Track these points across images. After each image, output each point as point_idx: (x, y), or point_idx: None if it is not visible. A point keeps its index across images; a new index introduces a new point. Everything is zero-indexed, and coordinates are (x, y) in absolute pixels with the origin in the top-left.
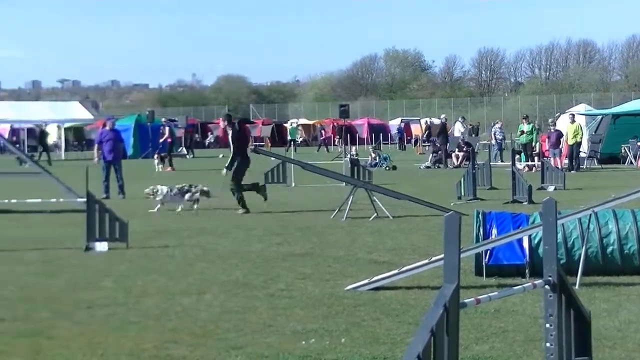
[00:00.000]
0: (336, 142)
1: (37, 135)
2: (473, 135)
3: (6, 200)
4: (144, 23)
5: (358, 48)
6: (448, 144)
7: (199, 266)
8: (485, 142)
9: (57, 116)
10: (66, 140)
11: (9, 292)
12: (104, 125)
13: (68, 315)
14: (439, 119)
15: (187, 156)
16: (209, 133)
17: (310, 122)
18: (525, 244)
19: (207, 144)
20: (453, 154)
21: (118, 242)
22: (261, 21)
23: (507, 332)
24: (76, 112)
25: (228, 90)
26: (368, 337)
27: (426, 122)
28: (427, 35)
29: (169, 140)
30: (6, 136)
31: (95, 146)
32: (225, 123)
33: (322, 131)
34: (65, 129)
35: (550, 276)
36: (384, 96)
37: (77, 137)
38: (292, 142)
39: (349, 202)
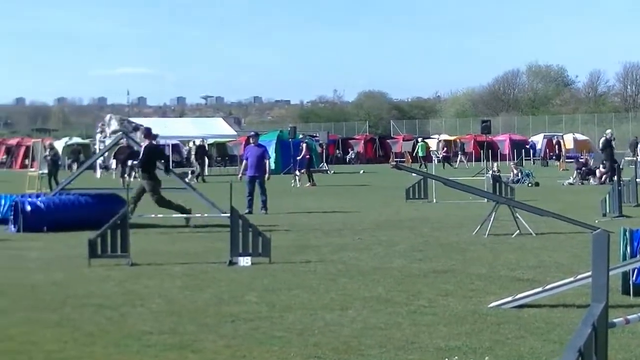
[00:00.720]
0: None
1: (196, 151)
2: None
3: (152, 215)
4: (285, 40)
5: (500, 63)
6: (593, 160)
7: (341, 282)
8: (631, 158)
9: (200, 132)
10: (209, 156)
11: (156, 305)
12: (248, 142)
13: (213, 329)
14: (581, 134)
15: (328, 172)
16: (350, 149)
17: (451, 138)
18: None
19: (347, 159)
20: (597, 170)
21: (261, 257)
22: (402, 37)
23: None
24: (219, 128)
25: (369, 106)
26: (512, 355)
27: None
28: (571, 50)
29: (307, 156)
30: None
31: (244, 162)
32: (143, 135)
33: (444, 148)
34: (208, 144)
35: None
36: (526, 112)
37: (220, 152)
38: (421, 159)
39: (491, 219)
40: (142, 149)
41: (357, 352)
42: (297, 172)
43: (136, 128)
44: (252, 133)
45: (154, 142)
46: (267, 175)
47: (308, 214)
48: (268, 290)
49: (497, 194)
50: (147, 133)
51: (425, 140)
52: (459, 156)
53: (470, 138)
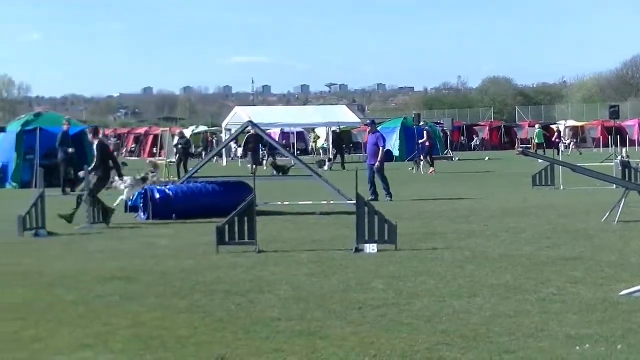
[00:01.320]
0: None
1: (334, 138)
2: None
3: (279, 203)
4: (409, 27)
5: (628, 47)
6: None
7: (468, 269)
8: None
9: (324, 120)
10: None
11: (284, 292)
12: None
13: (340, 316)
14: None
15: (453, 159)
16: (475, 136)
17: (579, 124)
18: None
19: (472, 146)
20: None
21: (387, 244)
22: (526, 22)
23: None
24: (343, 115)
25: (493, 93)
26: None
27: None
28: None
29: (427, 143)
30: (277, 139)
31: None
32: (91, 136)
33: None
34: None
35: None
36: None
37: (345, 140)
38: (538, 146)
39: (621, 205)
40: (95, 147)
41: (486, 339)
42: (418, 159)
43: None
44: (369, 121)
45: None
46: (377, 163)
47: (433, 201)
48: (395, 277)
49: (627, 180)
50: (95, 132)
51: (543, 127)
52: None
53: (598, 124)
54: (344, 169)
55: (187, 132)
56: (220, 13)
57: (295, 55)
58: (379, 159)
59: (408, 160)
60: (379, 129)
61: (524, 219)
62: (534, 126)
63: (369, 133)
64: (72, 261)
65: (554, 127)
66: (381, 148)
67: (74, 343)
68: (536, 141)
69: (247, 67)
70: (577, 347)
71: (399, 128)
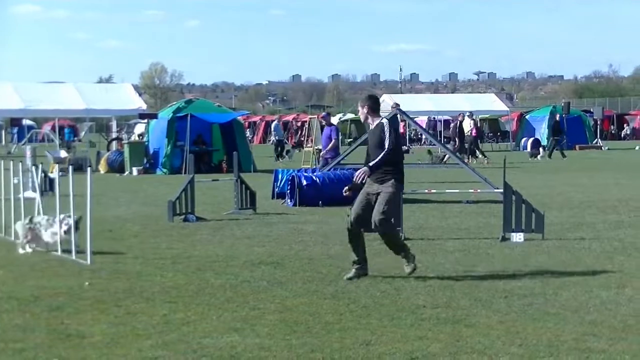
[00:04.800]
0: None
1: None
2: None
3: (426, 191)
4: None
5: None
6: None
7: (617, 259)
8: None
9: (472, 108)
10: (482, 132)
11: (429, 279)
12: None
13: (486, 304)
14: None
15: (602, 148)
16: (625, 125)
17: None
18: None
19: (622, 135)
20: None
21: (534, 234)
22: None
23: None
24: (491, 103)
25: None
26: None
27: None
28: None
29: (474, 133)
30: (424, 127)
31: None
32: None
33: None
34: (480, 120)
35: None
36: None
37: (492, 128)
38: None
39: None
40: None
41: (635, 331)
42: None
43: None
44: (324, 114)
45: None
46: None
47: (582, 190)
48: (541, 266)
49: None
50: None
51: None
52: None
53: None
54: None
55: (334, 120)
56: (370, 1)
57: (444, 43)
58: (328, 148)
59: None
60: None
61: None
62: None
63: (323, 126)
64: (221, 246)
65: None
66: (333, 140)
67: (222, 326)
68: None
69: (395, 55)
70: None
71: (548, 117)
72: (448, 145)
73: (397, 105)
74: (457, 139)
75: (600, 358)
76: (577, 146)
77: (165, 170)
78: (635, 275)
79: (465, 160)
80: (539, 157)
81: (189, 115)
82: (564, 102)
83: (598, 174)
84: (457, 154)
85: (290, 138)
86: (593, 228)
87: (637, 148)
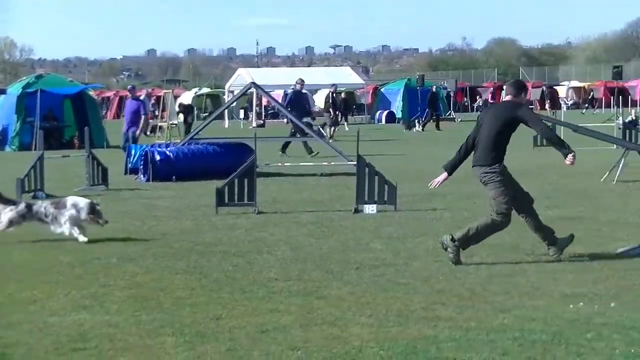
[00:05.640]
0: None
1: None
2: None
3: (279, 164)
4: None
5: (634, 7)
6: None
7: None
8: None
9: (329, 81)
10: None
11: (282, 252)
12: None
13: (338, 276)
14: None
15: (456, 120)
16: (478, 97)
17: (581, 85)
18: None
19: (475, 107)
20: None
21: (387, 205)
22: None
23: None
24: (347, 77)
25: (498, 54)
26: (639, 301)
27: None
28: None
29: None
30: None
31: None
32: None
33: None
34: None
35: None
36: None
37: (348, 101)
38: None
39: (620, 165)
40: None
41: (481, 298)
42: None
43: None
44: (130, 87)
45: None
46: (137, 130)
47: (435, 162)
48: (393, 237)
49: (627, 140)
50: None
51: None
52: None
53: (601, 84)
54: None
55: (190, 94)
56: None
57: (300, 17)
58: (140, 126)
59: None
60: (382, 89)
61: (524, 180)
62: (538, 87)
63: (128, 99)
64: None
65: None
66: (143, 116)
67: (70, 304)
68: None
69: (252, 29)
70: (571, 305)
71: (402, 89)
72: (320, 118)
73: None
74: (330, 111)
75: (447, 325)
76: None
77: (14, 147)
78: (483, 244)
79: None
80: (414, 129)
81: (39, 91)
82: (418, 75)
83: (452, 145)
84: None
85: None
86: (444, 199)
87: None
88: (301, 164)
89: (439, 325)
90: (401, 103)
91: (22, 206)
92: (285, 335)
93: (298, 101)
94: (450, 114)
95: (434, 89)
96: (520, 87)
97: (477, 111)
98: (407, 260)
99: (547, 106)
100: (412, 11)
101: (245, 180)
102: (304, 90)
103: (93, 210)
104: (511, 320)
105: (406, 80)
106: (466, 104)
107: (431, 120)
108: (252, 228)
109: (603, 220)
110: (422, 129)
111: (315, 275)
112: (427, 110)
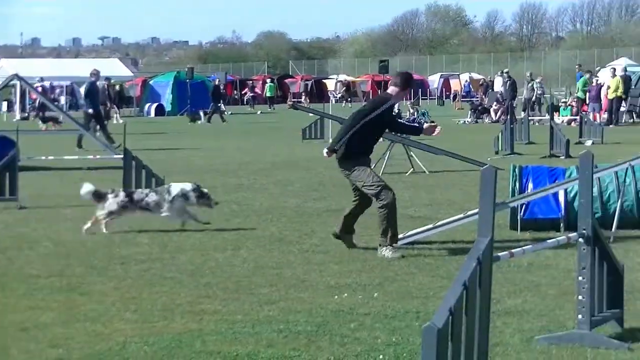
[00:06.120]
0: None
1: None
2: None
3: (43, 157)
4: None
5: (399, 3)
6: (488, 99)
7: (234, 222)
8: (523, 97)
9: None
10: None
11: (44, 248)
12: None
13: (102, 271)
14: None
15: (226, 112)
16: (248, 90)
17: (350, 78)
18: (561, 198)
19: (245, 100)
20: (491, 109)
21: None
22: None
23: (540, 286)
24: (116, 69)
25: (268, 47)
26: (401, 291)
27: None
28: None
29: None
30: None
31: None
32: None
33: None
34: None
35: (584, 229)
36: (424, 51)
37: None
38: (269, 100)
39: (386, 157)
40: None
41: (247, 291)
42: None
43: None
44: None
45: None
46: None
47: (204, 154)
48: (160, 231)
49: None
50: None
51: (275, 80)
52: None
53: (369, 78)
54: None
55: None
56: None
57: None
58: None
59: (180, 115)
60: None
61: (292, 172)
62: (307, 80)
63: None
64: None
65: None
66: None
67: None
68: (268, 95)
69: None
70: (336, 296)
71: (172, 82)
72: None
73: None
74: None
75: (213, 319)
76: (201, 111)
77: None
78: (250, 236)
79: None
80: (199, 122)
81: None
82: (188, 68)
83: (221, 138)
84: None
85: None
86: (213, 191)
87: (259, 112)
88: (67, 157)
89: (204, 318)
90: (171, 96)
91: (122, 195)
92: (46, 332)
93: (93, 92)
94: (220, 107)
95: (217, 82)
96: (404, 81)
97: (247, 104)
98: (173, 254)
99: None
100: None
101: (7, 174)
102: (99, 82)
103: (202, 194)
104: (276, 312)
105: (175, 73)
106: (236, 97)
107: (216, 113)
108: (13, 224)
109: (369, 211)
110: (209, 121)
111: (79, 271)
112: (211, 103)
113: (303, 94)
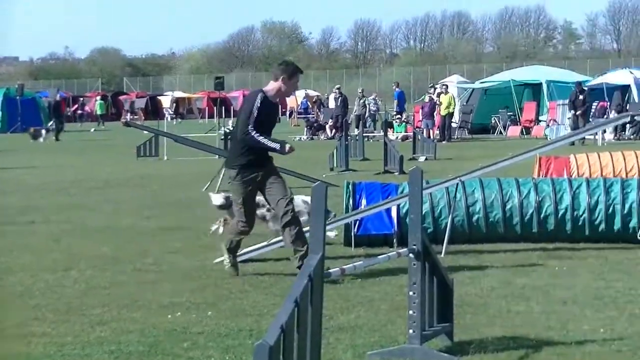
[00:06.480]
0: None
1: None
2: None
3: None
4: None
5: (235, 19)
6: (324, 116)
7: (65, 242)
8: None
9: None
10: None
11: None
12: None
13: None
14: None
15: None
16: (81, 107)
17: (185, 95)
18: (394, 214)
19: (79, 117)
20: (327, 126)
21: None
22: None
23: (373, 301)
24: None
25: (102, 63)
26: (235, 309)
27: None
28: (305, 7)
29: None
30: None
31: None
32: None
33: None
34: None
35: (414, 245)
36: (260, 68)
37: None
38: (100, 117)
39: (221, 175)
40: None
41: (78, 312)
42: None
43: None
44: None
45: None
46: None
47: (37, 173)
48: None
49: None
50: None
51: (105, 98)
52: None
53: (204, 94)
54: None
55: None
56: None
57: None
58: None
59: (10, 132)
60: None
61: (126, 190)
62: (142, 97)
63: None
64: None
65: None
66: None
67: None
68: (98, 112)
69: None
70: (169, 316)
71: (1, 99)
72: None
73: None
74: None
75: (41, 341)
76: (32, 129)
77: None
78: (82, 256)
79: None
80: (40, 139)
81: None
82: (18, 84)
83: (53, 156)
84: None
85: None
86: (43, 211)
87: (92, 130)
88: None
89: (33, 341)
90: (0, 113)
91: None
92: None
93: None
94: (52, 125)
95: (57, 98)
96: (284, 70)
97: (80, 121)
98: (1, 276)
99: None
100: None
101: None
102: None
103: None
104: (108, 332)
105: (5, 89)
106: (69, 113)
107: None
108: None
109: (203, 230)
110: (57, 139)
111: None
112: (53, 119)
113: (139, 110)
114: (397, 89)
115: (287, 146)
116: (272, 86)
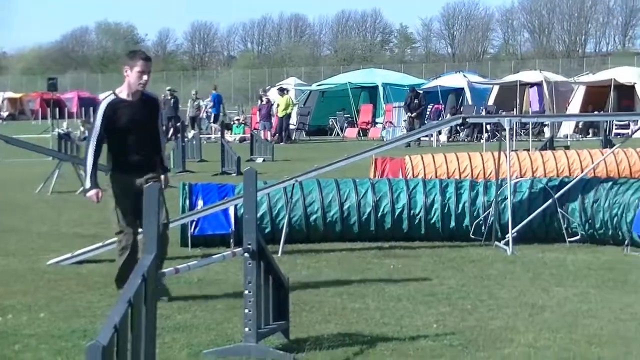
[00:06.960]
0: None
1: None
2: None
3: None
4: None
5: (68, 19)
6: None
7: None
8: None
9: None
10: None
11: None
12: None
13: None
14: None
15: None
16: None
17: (17, 96)
18: (232, 214)
19: None
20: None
21: None
22: None
23: (210, 301)
24: None
25: None
26: (68, 310)
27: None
28: (139, 8)
29: None
30: None
31: None
32: None
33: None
34: None
35: (249, 244)
36: (96, 70)
37: None
38: None
39: (55, 177)
40: None
41: None
42: None
43: None
44: None
45: None
46: None
47: None
48: None
49: (62, 152)
50: None
51: None
52: None
53: (37, 96)
54: None
55: None
56: None
57: None
58: None
59: None
60: None
61: None
62: None
63: None
64: None
65: None
66: None
67: None
68: None
69: None
70: (0, 318)
71: None
72: None
73: None
74: None
75: None
76: None
77: None
78: None
79: None
80: None
81: None
82: None
83: None
84: None
85: None
86: None
87: None
88: None
89: None
90: None
91: None
92: None
93: None
94: None
95: None
96: (124, 62)
97: None
98: None
99: None
100: None
101: None
102: None
103: None
104: None
105: None
106: None
107: None
108: None
109: (37, 231)
110: None
111: None
112: None
113: None
114: (214, 92)
115: (91, 193)
116: (123, 84)
